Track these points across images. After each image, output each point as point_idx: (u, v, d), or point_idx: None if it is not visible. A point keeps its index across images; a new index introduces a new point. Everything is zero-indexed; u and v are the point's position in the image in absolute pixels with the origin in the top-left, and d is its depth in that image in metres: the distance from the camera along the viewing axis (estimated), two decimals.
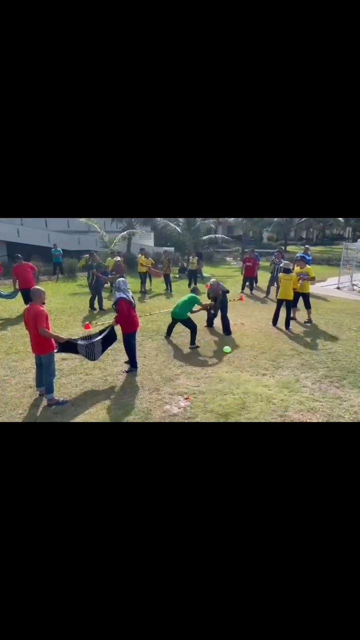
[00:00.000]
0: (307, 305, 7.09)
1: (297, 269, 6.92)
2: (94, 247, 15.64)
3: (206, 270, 15.51)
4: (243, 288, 10.29)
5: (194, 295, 6.03)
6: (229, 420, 3.68)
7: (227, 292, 6.58)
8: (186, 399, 4.12)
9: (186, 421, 3.68)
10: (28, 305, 3.91)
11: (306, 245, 11.14)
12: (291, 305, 6.78)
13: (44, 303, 3.93)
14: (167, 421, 3.66)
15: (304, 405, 3.99)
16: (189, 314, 5.87)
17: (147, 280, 10.81)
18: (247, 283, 10.24)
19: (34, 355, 4.07)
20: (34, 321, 3.71)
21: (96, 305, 8.24)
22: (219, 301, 6.40)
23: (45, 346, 3.86)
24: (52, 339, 3.92)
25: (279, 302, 6.77)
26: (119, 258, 10.08)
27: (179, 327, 6.13)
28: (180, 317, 5.84)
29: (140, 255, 10.51)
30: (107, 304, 8.45)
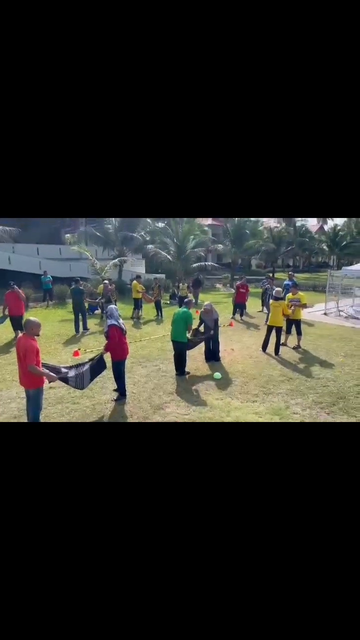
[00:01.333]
0: (299, 332, 7.20)
1: (289, 295, 7.09)
2: (85, 274, 15.76)
3: (194, 298, 15.74)
4: (234, 314, 10.45)
5: (186, 309, 5.69)
6: None
7: (217, 319, 6.50)
8: None
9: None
10: (21, 335, 3.71)
11: (290, 272, 11.52)
12: (281, 331, 6.88)
13: (37, 335, 3.67)
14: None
15: None
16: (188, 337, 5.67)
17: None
18: (237, 309, 10.42)
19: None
20: (24, 356, 3.49)
21: (81, 328, 8.63)
22: (210, 330, 6.24)
23: (33, 380, 3.63)
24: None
25: (269, 328, 6.86)
26: (106, 281, 10.29)
27: (169, 354, 6.10)
28: (180, 338, 5.58)
29: (134, 281, 10.66)
30: (90, 324, 8.71)
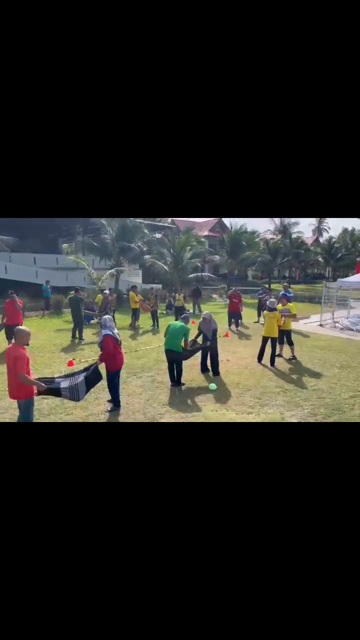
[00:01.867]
0: (290, 342, 7.20)
1: (279, 306, 7.12)
2: (82, 283, 15.78)
3: (192, 307, 15.78)
4: (230, 324, 10.47)
5: (183, 324, 5.68)
6: None
7: (216, 330, 6.35)
8: None
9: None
10: (10, 345, 3.66)
11: (285, 284, 11.61)
12: (276, 342, 6.88)
13: (27, 344, 3.61)
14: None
15: None
16: (182, 345, 5.54)
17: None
18: (233, 319, 10.46)
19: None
20: (14, 365, 3.41)
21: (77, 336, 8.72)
22: (207, 340, 6.12)
23: (24, 391, 3.53)
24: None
25: (264, 339, 6.86)
26: (106, 291, 10.36)
27: (164, 364, 6.06)
28: (176, 348, 5.48)
29: (131, 292, 10.70)
30: (87, 333, 8.74)
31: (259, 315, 11.08)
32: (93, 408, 4.78)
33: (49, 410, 4.68)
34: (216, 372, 6.28)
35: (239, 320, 10.66)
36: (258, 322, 11.01)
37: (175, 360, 5.63)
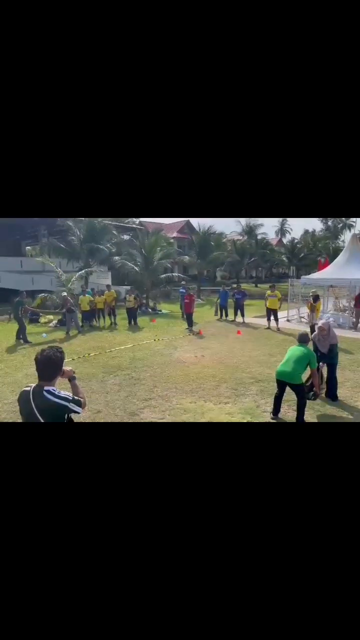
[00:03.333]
0: (276, 318, 10.30)
1: (268, 292, 10.44)
2: (49, 286, 15.33)
3: (163, 307, 15.88)
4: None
5: (309, 350, 4.29)
6: None
7: (336, 344, 4.99)
8: None
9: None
10: None
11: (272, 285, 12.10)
12: (277, 313, 10.19)
13: None
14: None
15: None
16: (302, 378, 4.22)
17: (106, 316, 11.37)
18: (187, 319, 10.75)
19: None
20: None
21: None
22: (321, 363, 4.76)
23: None
24: None
25: (268, 311, 10.33)
26: (64, 294, 10.71)
27: (139, 363, 6.08)
28: (293, 380, 4.13)
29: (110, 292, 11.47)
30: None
31: (235, 314, 11.61)
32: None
33: None
34: (333, 396, 4.97)
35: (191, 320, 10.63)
36: (234, 320, 11.61)
37: (293, 387, 4.21)
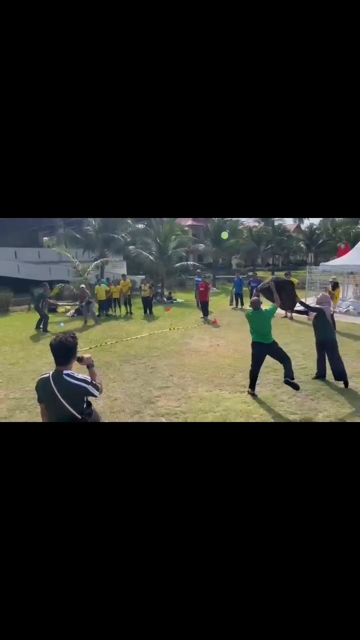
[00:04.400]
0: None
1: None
2: (66, 276, 15.56)
3: (178, 296, 15.85)
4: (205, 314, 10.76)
5: (264, 310, 4.69)
6: None
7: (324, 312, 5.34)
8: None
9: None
10: None
11: (287, 272, 11.94)
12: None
13: None
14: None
15: (282, 418, 4.09)
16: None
17: (122, 305, 11.62)
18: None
19: None
20: None
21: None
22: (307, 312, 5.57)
23: None
24: None
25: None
26: (83, 286, 10.81)
27: (155, 352, 6.12)
28: (267, 340, 4.62)
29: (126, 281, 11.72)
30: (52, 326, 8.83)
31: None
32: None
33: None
34: (341, 377, 5.02)
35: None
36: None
37: (272, 353, 4.70)
